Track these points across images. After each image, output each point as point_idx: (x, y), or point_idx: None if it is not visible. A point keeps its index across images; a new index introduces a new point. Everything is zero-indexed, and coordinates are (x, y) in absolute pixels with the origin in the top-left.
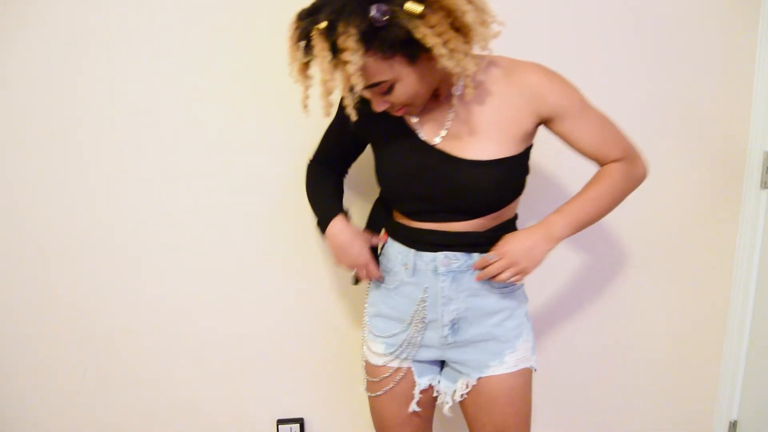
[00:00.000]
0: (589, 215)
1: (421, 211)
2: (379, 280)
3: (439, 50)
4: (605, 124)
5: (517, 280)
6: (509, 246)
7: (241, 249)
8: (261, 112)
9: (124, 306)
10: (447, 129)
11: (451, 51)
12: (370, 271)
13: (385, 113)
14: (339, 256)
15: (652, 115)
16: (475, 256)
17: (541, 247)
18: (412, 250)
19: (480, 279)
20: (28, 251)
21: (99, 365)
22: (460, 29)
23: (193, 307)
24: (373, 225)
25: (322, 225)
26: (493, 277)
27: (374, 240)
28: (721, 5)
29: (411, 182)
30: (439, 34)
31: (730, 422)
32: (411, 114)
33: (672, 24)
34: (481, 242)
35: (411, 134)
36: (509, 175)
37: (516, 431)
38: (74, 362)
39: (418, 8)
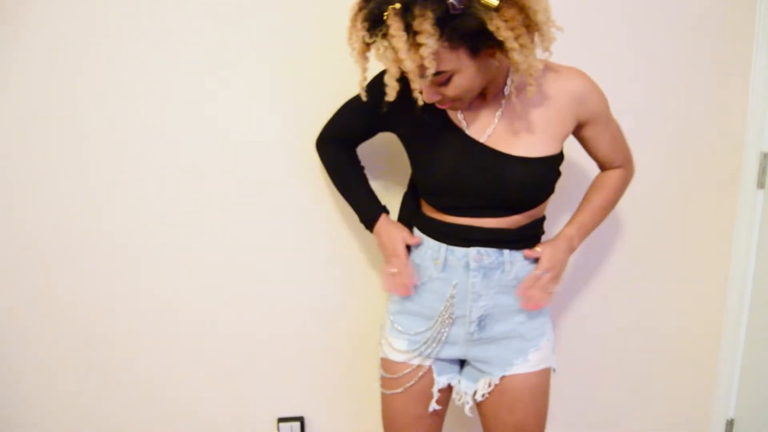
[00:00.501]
0: (595, 223)
1: (459, 206)
2: (404, 293)
3: (512, 44)
4: (619, 132)
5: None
6: (555, 260)
7: (241, 249)
8: (260, 112)
9: (124, 306)
10: (494, 126)
11: (521, 47)
12: (402, 276)
13: (427, 107)
14: (383, 255)
15: (648, 114)
16: (506, 252)
17: (566, 260)
18: (444, 245)
19: (532, 307)
20: (29, 252)
21: (100, 365)
22: (529, 27)
23: (193, 306)
24: (404, 220)
25: (369, 226)
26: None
27: (411, 240)
28: (717, 5)
29: (457, 177)
30: (512, 29)
31: (727, 420)
32: (455, 109)
33: (668, 24)
34: (513, 239)
35: (457, 130)
36: (551, 173)
37: (536, 430)
38: (75, 363)
39: (495, 1)
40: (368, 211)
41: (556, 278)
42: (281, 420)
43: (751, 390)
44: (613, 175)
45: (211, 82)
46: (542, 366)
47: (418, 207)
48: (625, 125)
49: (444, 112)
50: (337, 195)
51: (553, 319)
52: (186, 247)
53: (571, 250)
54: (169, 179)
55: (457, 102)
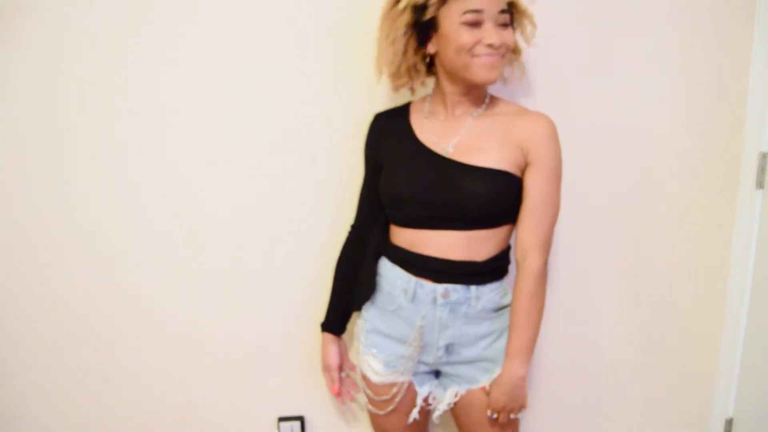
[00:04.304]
0: (535, 337)
1: (422, 218)
2: (336, 395)
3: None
4: (552, 209)
5: (519, 411)
6: (500, 402)
7: (241, 248)
8: (261, 112)
9: (124, 306)
10: (456, 142)
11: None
12: (330, 378)
13: (395, 130)
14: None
15: (647, 115)
16: (473, 288)
17: (521, 388)
18: (413, 278)
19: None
20: (29, 252)
21: (100, 365)
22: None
23: (193, 306)
24: (373, 248)
25: (323, 327)
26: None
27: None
28: (716, 5)
29: (416, 186)
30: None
31: (726, 420)
32: (495, 69)
33: (667, 23)
34: (480, 272)
35: (421, 145)
36: (505, 186)
37: None
38: (75, 362)
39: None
40: (327, 319)
41: (515, 410)
42: (282, 419)
43: (750, 389)
44: (522, 288)
45: (211, 83)
46: None
47: (387, 236)
48: (624, 126)
49: (411, 133)
50: (336, 194)
51: (551, 319)
52: (187, 246)
53: (521, 377)
54: (169, 180)
55: (502, 59)
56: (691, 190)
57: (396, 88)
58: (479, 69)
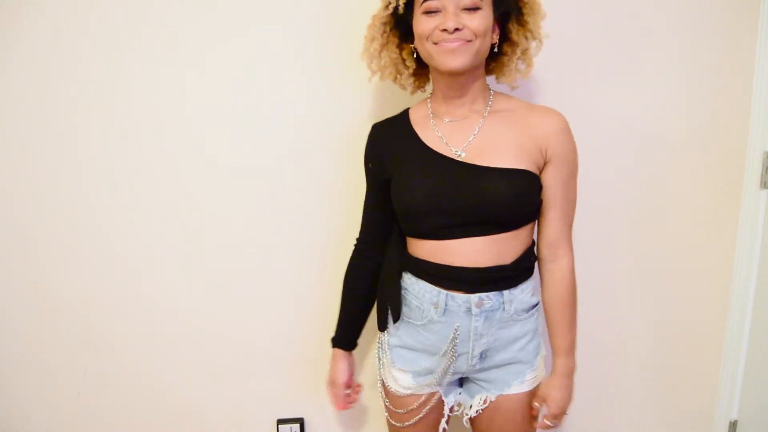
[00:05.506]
0: (575, 331)
1: (443, 227)
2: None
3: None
4: (575, 204)
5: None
6: (563, 401)
7: (241, 250)
8: (262, 114)
9: (124, 306)
10: (469, 144)
11: (526, 39)
12: (335, 394)
13: (399, 139)
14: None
15: (652, 114)
16: (506, 293)
17: (572, 387)
18: (443, 291)
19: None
20: (29, 252)
21: (99, 366)
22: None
23: (193, 307)
24: (392, 266)
25: (333, 342)
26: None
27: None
28: (720, 4)
29: (437, 195)
30: (530, 21)
31: (730, 422)
32: (459, 56)
33: (671, 23)
34: (510, 276)
35: (432, 152)
36: (528, 186)
37: None
38: (74, 363)
39: None
40: (337, 335)
41: (566, 407)
42: (281, 422)
43: (754, 391)
44: (560, 281)
45: (208, 84)
46: (536, 383)
47: (405, 249)
48: (627, 126)
49: (419, 140)
50: (336, 195)
51: None
52: (186, 247)
53: (572, 373)
54: (169, 181)
55: (468, 44)
56: (694, 191)
57: (402, 84)
58: (440, 56)
